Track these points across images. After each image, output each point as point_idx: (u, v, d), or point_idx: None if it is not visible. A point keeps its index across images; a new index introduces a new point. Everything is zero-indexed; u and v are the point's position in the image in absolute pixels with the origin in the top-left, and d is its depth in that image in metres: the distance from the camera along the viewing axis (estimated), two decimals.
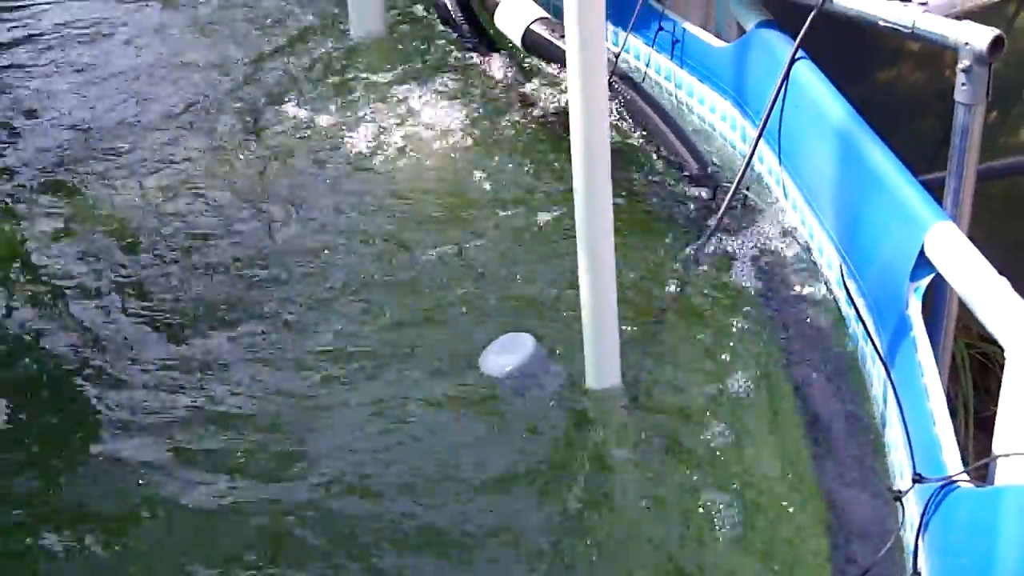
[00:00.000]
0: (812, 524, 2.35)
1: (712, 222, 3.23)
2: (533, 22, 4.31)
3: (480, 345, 2.95)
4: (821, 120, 2.98)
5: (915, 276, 2.41)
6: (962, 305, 2.25)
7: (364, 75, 4.56)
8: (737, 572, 2.29)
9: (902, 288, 2.42)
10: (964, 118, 2.76)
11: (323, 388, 2.91)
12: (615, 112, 3.88)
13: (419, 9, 5.09)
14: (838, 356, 2.78)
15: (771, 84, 3.15)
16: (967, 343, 3.58)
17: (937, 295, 2.69)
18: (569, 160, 2.50)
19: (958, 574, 1.84)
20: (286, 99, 4.44)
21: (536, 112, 4.15)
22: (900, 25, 2.88)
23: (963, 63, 2.70)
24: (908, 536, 2.12)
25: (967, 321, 2.63)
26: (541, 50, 4.32)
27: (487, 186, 3.73)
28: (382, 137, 4.08)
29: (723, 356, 2.84)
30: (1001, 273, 2.16)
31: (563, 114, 3.19)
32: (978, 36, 2.68)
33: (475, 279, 3.27)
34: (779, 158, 3.26)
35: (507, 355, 2.87)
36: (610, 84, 3.71)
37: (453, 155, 3.94)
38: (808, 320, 2.91)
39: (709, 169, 3.58)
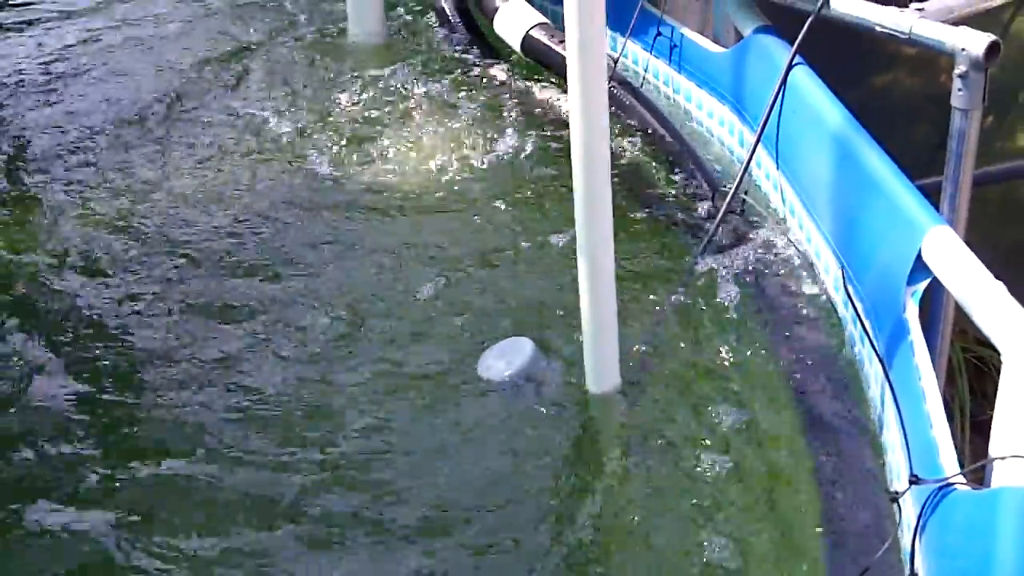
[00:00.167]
0: (811, 524, 2.36)
1: (710, 226, 3.24)
2: (532, 28, 4.32)
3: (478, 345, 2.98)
4: (818, 125, 2.99)
5: (912, 280, 2.41)
6: (959, 309, 2.25)
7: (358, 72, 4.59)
8: (737, 572, 2.30)
9: (899, 292, 2.43)
10: (960, 123, 2.78)
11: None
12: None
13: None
14: (836, 359, 2.79)
15: (769, 89, 3.17)
16: (964, 347, 3.59)
17: (934, 299, 2.70)
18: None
19: None
20: None
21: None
22: (897, 31, 2.90)
23: (959, 68, 2.72)
24: (905, 537, 2.13)
25: (964, 325, 2.65)
26: (540, 55, 4.33)
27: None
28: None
29: (723, 359, 2.86)
30: (997, 277, 2.16)
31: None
32: (974, 42, 2.70)
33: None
34: (777, 163, 3.27)
35: (506, 359, 2.88)
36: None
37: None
38: (806, 324, 2.92)
39: (702, 163, 3.61)
